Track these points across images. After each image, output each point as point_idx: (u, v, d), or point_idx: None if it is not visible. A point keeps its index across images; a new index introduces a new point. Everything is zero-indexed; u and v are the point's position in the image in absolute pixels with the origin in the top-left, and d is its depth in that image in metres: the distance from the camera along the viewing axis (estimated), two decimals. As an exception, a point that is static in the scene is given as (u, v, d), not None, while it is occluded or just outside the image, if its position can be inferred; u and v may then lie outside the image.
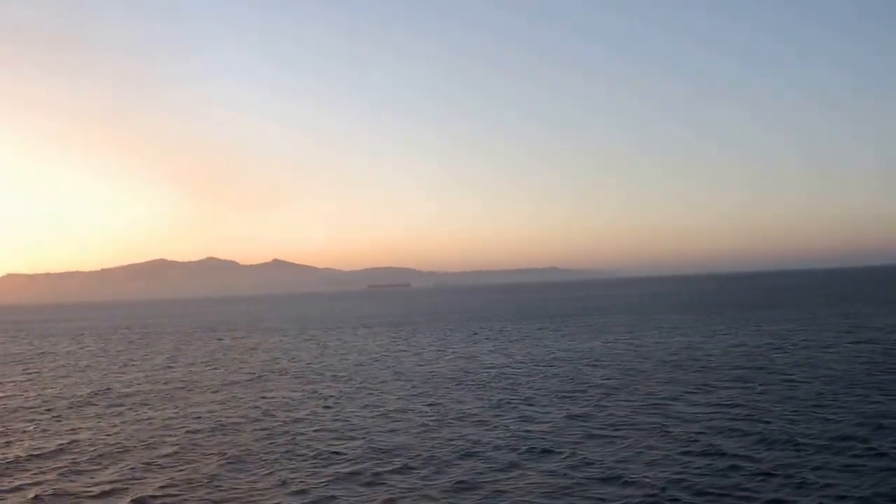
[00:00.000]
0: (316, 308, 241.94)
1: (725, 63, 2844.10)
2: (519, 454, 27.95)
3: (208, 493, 24.33)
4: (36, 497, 24.44)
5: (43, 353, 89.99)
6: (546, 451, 28.13)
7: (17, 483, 26.37)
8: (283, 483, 25.23)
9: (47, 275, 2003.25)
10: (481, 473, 25.45)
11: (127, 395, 48.51)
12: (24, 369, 69.49)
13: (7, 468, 28.68)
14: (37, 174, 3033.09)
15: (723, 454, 26.59)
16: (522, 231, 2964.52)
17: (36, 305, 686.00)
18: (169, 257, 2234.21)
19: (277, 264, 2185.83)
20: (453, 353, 68.60)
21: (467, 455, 27.93)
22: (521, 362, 58.47)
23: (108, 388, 52.30)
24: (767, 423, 31.50)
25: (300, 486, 24.72)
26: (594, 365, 54.78)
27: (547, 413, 36.17)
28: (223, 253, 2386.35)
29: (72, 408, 44.04)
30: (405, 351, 72.59)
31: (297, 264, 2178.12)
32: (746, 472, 24.23)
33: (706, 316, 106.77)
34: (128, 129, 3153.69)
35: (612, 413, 35.33)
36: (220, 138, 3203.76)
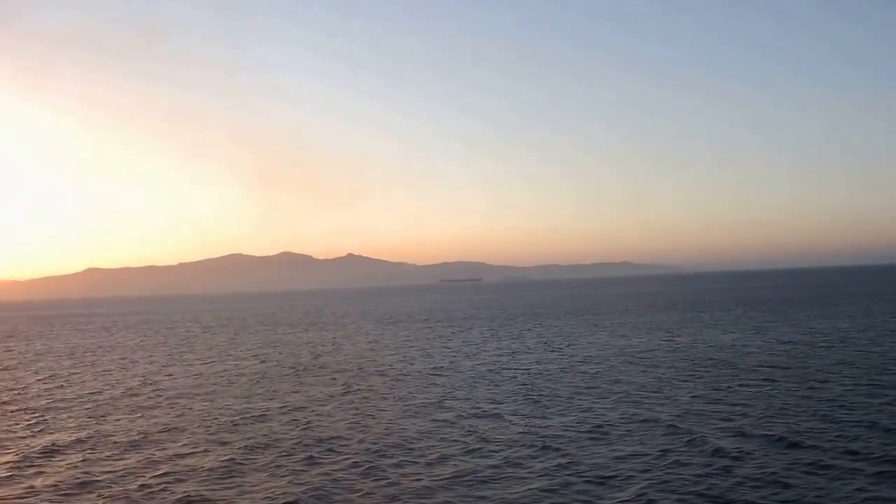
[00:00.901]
0: (386, 302, 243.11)
1: (832, 58, 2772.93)
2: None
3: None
4: (56, 484, 25.83)
5: (101, 346, 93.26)
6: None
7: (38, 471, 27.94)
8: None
9: (126, 269, 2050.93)
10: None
11: (171, 388, 50.15)
12: (73, 362, 71.93)
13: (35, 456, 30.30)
14: (117, 171, 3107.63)
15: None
16: (595, 225, 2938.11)
17: (112, 299, 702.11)
18: (245, 252, 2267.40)
19: (352, 259, 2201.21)
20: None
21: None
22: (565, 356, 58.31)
23: (152, 382, 54.12)
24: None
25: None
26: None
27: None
28: (298, 247, 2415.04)
29: (113, 400, 45.82)
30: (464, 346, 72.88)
31: (371, 259, 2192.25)
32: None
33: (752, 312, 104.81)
34: (206, 126, 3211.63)
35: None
36: (296, 135, 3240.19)
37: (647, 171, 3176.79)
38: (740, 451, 26.89)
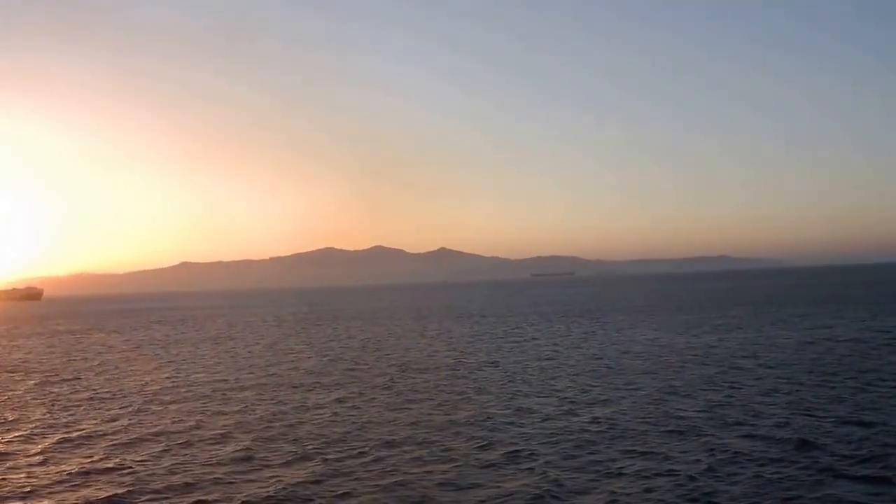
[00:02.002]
0: (477, 296, 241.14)
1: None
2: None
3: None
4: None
5: (173, 339, 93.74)
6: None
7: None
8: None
9: (219, 263, 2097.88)
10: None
11: (219, 386, 49.05)
12: (145, 355, 71.80)
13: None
14: (209, 166, 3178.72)
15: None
16: (692, 218, 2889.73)
17: (203, 293, 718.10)
18: (337, 246, 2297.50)
19: (444, 252, 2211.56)
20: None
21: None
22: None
23: (213, 379, 53.50)
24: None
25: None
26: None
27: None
28: (390, 241, 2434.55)
29: (170, 394, 44.94)
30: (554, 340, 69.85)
31: (464, 252, 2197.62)
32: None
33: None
34: (301, 121, 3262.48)
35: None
36: (391, 129, 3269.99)
37: (746, 163, 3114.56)
38: None
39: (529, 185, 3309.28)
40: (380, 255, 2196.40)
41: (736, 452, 25.28)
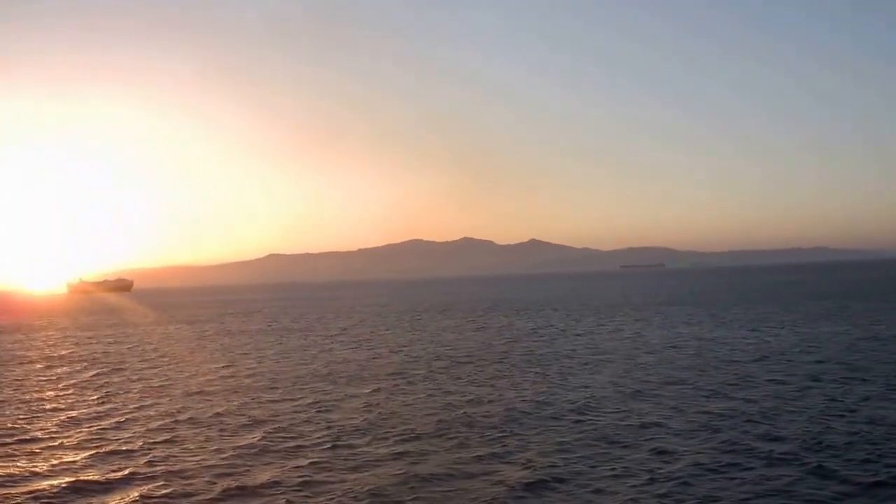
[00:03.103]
0: (565, 288, 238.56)
1: None
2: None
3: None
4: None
5: (235, 331, 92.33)
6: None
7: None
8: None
9: (307, 255, 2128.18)
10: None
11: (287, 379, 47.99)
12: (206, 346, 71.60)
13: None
14: (299, 159, 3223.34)
15: None
16: (788, 209, 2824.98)
17: (290, 284, 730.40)
18: (426, 237, 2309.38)
19: (534, 244, 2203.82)
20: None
21: None
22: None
23: (283, 371, 53.08)
24: None
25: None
26: None
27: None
28: (480, 233, 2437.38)
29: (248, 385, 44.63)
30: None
31: (554, 244, 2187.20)
32: None
33: None
34: (391, 113, 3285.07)
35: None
36: (481, 120, 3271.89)
37: (844, 152, 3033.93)
38: None
39: (623, 175, 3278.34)
40: (468, 247, 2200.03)
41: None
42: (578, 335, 66.54)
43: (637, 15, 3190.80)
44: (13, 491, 22.30)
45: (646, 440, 26.08)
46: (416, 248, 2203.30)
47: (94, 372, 51.34)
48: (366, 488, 21.48)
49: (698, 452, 24.14)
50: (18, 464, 25.43)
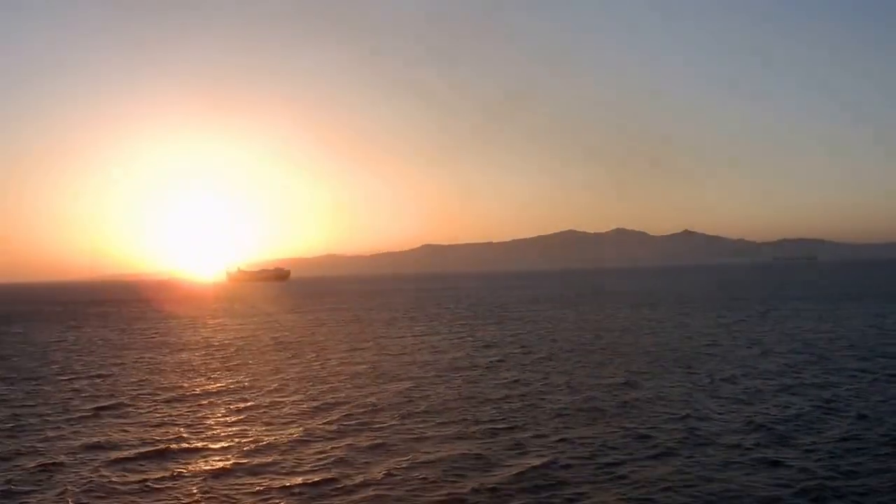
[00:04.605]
0: (717, 281, 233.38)
1: None
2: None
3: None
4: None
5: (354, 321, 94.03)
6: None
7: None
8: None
9: (461, 245, 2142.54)
10: None
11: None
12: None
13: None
14: (454, 151, 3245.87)
15: None
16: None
17: (445, 274, 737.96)
18: (578, 228, 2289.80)
19: (688, 235, 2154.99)
20: None
21: None
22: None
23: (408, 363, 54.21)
24: None
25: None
26: None
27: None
28: (632, 223, 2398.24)
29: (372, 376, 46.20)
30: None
31: (708, 234, 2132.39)
32: None
33: None
34: (542, 104, 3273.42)
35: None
36: (634, 110, 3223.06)
37: None
38: None
39: (777, 164, 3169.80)
40: (621, 238, 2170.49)
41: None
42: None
43: (785, 5, 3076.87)
44: (181, 467, 24.78)
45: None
46: (569, 239, 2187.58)
47: (249, 358, 54.75)
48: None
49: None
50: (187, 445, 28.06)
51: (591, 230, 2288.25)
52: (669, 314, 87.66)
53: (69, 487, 22.57)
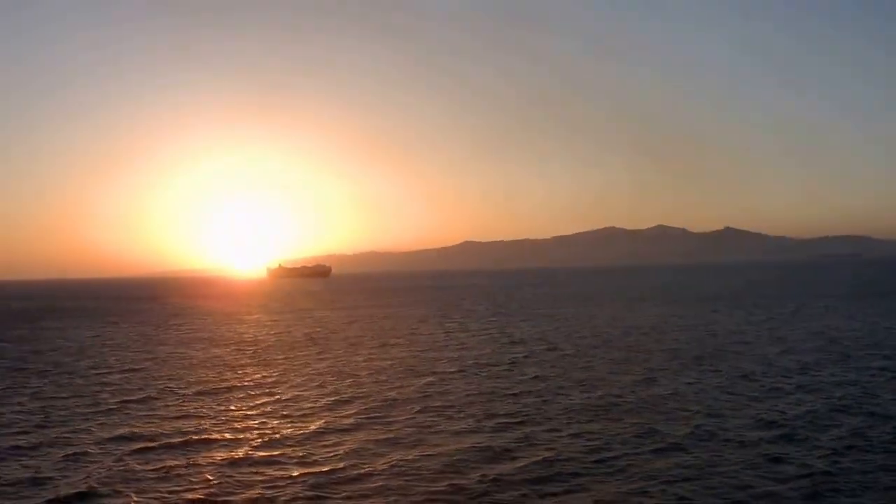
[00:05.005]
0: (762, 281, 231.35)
1: None
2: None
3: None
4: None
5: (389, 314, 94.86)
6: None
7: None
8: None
9: (501, 242, 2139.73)
10: None
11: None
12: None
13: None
14: (494, 147, 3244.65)
15: None
16: None
17: (484, 271, 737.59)
18: (618, 225, 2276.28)
19: (729, 232, 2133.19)
20: None
21: None
22: None
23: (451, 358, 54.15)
24: None
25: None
26: None
27: None
28: (673, 220, 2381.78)
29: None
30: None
31: (750, 232, 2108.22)
32: None
33: None
34: (582, 100, 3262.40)
35: None
36: (675, 105, 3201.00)
37: None
38: None
39: (820, 161, 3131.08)
40: (661, 235, 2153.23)
41: None
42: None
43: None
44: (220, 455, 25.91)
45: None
46: (609, 236, 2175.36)
47: (278, 354, 56.00)
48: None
49: None
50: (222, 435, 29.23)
51: (631, 227, 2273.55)
52: (700, 311, 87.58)
53: (93, 474, 23.67)
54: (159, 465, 24.68)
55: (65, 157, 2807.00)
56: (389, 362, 49.09)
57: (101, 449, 27.07)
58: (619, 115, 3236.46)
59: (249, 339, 67.76)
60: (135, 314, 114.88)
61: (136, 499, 21.51)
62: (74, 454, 26.33)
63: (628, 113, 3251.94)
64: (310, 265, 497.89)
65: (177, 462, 25.03)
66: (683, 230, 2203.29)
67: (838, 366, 42.65)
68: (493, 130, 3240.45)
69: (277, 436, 28.50)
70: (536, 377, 40.99)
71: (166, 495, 21.75)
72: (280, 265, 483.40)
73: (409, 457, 25.03)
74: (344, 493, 21.77)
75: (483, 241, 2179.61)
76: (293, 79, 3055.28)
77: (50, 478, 23.63)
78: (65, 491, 22.32)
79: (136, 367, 49.78)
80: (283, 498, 21.41)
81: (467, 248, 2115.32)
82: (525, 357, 50.40)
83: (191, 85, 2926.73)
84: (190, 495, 21.78)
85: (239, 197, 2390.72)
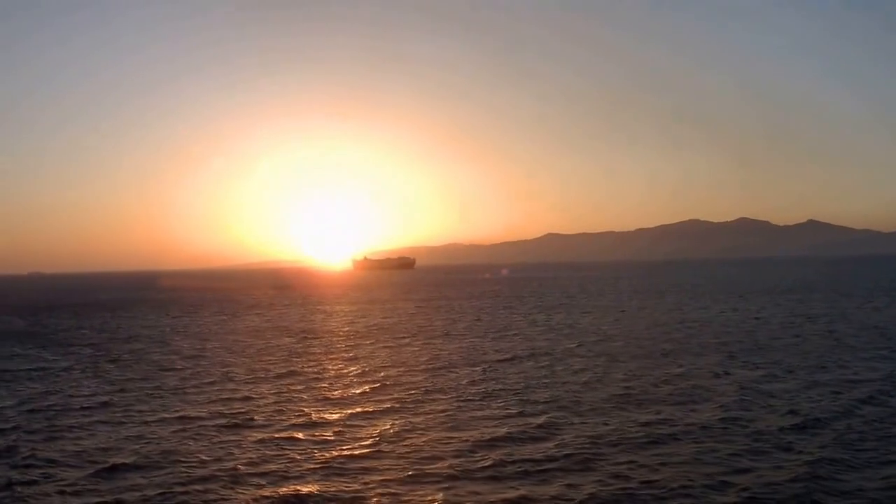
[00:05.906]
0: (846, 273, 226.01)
1: None
2: None
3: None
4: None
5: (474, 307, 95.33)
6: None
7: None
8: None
9: (583, 234, 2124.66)
10: None
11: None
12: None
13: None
14: (578, 140, 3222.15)
15: None
16: None
17: (566, 263, 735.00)
18: (701, 217, 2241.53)
19: (813, 225, 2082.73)
20: None
21: None
22: None
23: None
24: None
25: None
26: None
27: None
28: (756, 213, 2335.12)
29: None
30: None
31: (833, 225, 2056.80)
32: None
33: None
34: (667, 92, 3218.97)
35: None
36: (758, 94, 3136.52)
37: None
38: None
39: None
40: (744, 227, 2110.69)
41: None
42: None
43: None
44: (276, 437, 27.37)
45: None
46: (691, 229, 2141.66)
47: (342, 344, 57.80)
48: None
49: None
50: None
51: (714, 219, 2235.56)
52: (762, 305, 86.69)
53: (146, 450, 25.35)
54: (205, 443, 26.27)
55: (157, 152, 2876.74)
56: (445, 352, 50.16)
57: (156, 427, 28.92)
58: (702, 106, 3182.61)
59: (320, 329, 69.57)
60: (213, 304, 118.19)
61: (183, 469, 23.11)
62: (131, 431, 28.27)
63: (712, 105, 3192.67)
64: (394, 257, 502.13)
65: (224, 438, 26.72)
66: (766, 223, 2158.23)
67: (889, 361, 41.88)
68: (576, 123, 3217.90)
69: (321, 419, 29.87)
70: (584, 370, 41.16)
71: (209, 467, 23.30)
72: (365, 257, 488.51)
73: (434, 441, 26.05)
74: (377, 470, 22.92)
75: (566, 233, 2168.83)
76: (381, 74, 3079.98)
77: (106, 449, 25.64)
78: (118, 460, 24.09)
79: (202, 354, 51.96)
80: (318, 475, 22.54)
81: (550, 240, 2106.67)
82: (577, 346, 51.12)
83: (280, 79, 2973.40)
84: (230, 466, 23.28)
85: (325, 190, 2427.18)
